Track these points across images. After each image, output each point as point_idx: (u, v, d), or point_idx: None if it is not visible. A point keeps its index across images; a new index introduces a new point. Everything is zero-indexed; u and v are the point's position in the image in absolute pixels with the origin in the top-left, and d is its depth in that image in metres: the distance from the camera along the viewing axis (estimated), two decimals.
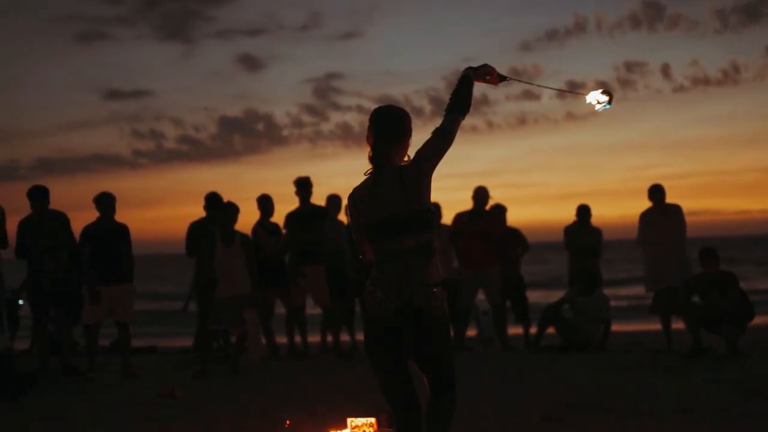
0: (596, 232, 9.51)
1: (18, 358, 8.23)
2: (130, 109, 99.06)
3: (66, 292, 7.54)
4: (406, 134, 3.19)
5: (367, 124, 3.20)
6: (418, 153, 3.16)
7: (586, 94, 3.57)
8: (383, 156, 3.13)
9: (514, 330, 9.91)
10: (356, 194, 3.18)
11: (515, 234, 9.41)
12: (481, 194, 9.02)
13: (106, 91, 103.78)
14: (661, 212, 8.67)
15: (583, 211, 9.48)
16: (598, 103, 3.56)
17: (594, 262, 9.34)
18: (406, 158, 3.19)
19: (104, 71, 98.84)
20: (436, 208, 9.40)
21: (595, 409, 5.46)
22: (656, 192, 8.73)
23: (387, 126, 3.15)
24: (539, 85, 3.72)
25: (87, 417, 5.64)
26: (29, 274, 7.59)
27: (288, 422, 5.32)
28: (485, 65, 3.40)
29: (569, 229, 9.49)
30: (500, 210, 9.38)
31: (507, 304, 9.34)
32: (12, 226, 7.62)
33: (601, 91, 3.55)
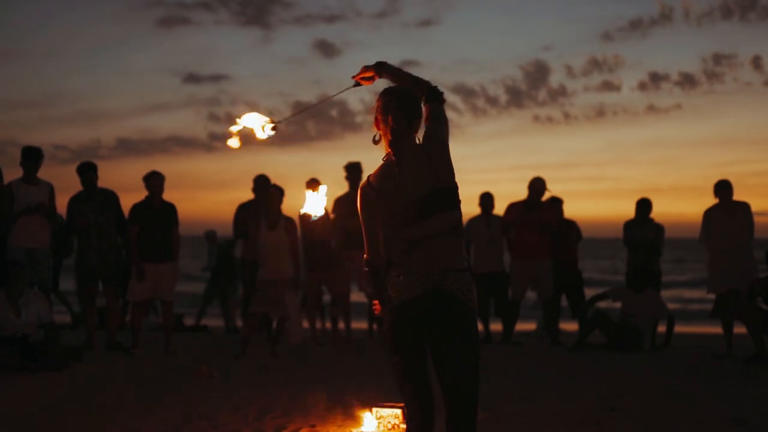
0: (657, 228, 9.06)
1: (64, 330, 8.42)
2: (207, 92, 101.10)
3: (112, 267, 7.65)
4: (421, 114, 3.06)
5: (377, 105, 3.05)
6: (428, 131, 3.02)
7: None
8: (405, 135, 2.98)
9: (571, 326, 9.62)
10: (374, 181, 3.00)
11: (572, 226, 9.09)
12: (537, 185, 8.73)
13: (185, 74, 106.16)
14: (728, 210, 8.18)
15: (643, 206, 9.04)
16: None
17: (654, 260, 8.95)
18: (417, 141, 3.05)
19: (184, 55, 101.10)
20: (489, 199, 9.14)
21: (639, 412, 5.20)
22: (722, 188, 8.22)
23: (407, 104, 3.01)
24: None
25: (125, 390, 5.72)
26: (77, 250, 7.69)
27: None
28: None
29: (628, 225, 9.09)
30: (557, 202, 9.07)
31: (563, 299, 9.06)
32: None
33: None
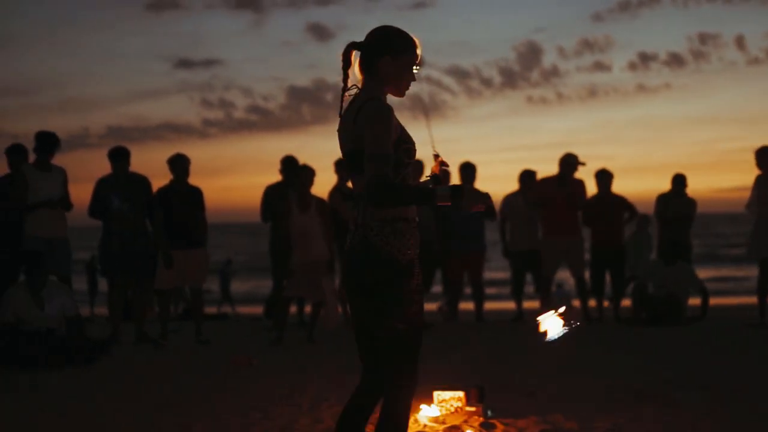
0: (691, 202, 9.00)
1: (92, 323, 8.18)
2: (200, 78, 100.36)
3: (137, 257, 7.26)
4: (367, 55, 2.72)
5: None
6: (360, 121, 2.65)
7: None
8: (346, 77, 2.73)
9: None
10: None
11: (621, 201, 8.89)
12: (568, 161, 8.53)
13: (177, 60, 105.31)
14: None
15: (679, 180, 8.96)
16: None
17: (685, 233, 8.91)
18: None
19: (175, 40, 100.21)
20: (530, 177, 8.87)
21: (693, 386, 5.05)
22: (765, 155, 8.08)
23: (357, 46, 2.74)
24: None
25: (159, 384, 5.41)
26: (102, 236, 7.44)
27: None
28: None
29: (663, 198, 9.00)
30: (606, 175, 8.82)
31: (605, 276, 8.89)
32: (81, 192, 7.50)
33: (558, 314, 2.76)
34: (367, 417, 2.83)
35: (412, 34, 2.76)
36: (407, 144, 2.69)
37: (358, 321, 2.77)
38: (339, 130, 2.77)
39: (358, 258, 2.64)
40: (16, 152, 7.23)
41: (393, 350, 2.69)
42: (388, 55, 2.70)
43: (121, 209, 7.17)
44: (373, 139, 2.58)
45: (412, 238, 2.67)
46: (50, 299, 6.37)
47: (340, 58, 2.74)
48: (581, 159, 8.60)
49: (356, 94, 2.74)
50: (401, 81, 2.74)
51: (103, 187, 7.26)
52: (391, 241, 2.63)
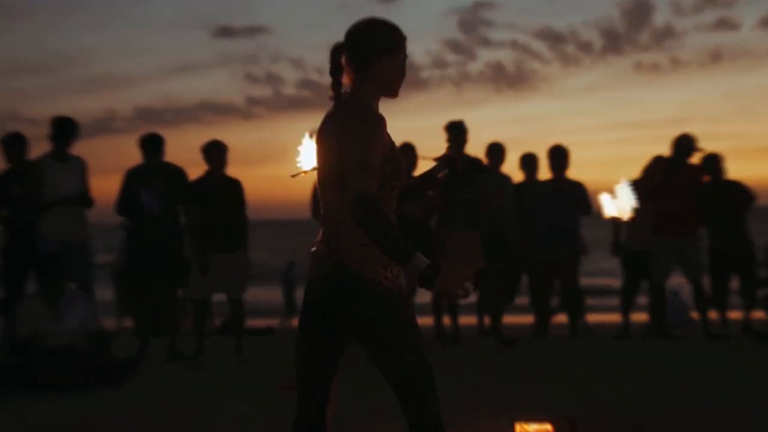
0: None
1: (118, 338, 8.36)
2: (243, 48, 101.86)
3: (169, 261, 7.41)
4: (362, 57, 2.79)
5: None
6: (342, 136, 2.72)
7: None
8: (337, 85, 2.83)
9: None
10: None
11: (738, 189, 8.68)
12: (684, 143, 8.38)
13: (216, 27, 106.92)
14: None
15: None
16: None
17: None
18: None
19: (214, 5, 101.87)
20: None
21: None
22: None
23: (345, 46, 2.83)
24: None
25: (193, 409, 5.53)
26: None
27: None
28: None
29: None
30: (715, 159, 8.64)
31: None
32: (104, 185, 7.69)
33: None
34: None
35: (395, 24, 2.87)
36: (394, 164, 2.75)
37: (319, 356, 2.93)
38: (318, 141, 2.85)
39: (341, 290, 2.70)
40: (11, 142, 7.50)
41: (413, 386, 2.78)
42: (387, 55, 2.79)
43: (152, 206, 7.33)
44: (358, 147, 2.64)
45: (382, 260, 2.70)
46: (69, 311, 6.56)
47: (329, 61, 2.84)
48: (699, 144, 8.41)
49: (344, 99, 2.82)
50: (399, 80, 2.86)
51: (132, 179, 7.42)
52: (377, 268, 2.67)
